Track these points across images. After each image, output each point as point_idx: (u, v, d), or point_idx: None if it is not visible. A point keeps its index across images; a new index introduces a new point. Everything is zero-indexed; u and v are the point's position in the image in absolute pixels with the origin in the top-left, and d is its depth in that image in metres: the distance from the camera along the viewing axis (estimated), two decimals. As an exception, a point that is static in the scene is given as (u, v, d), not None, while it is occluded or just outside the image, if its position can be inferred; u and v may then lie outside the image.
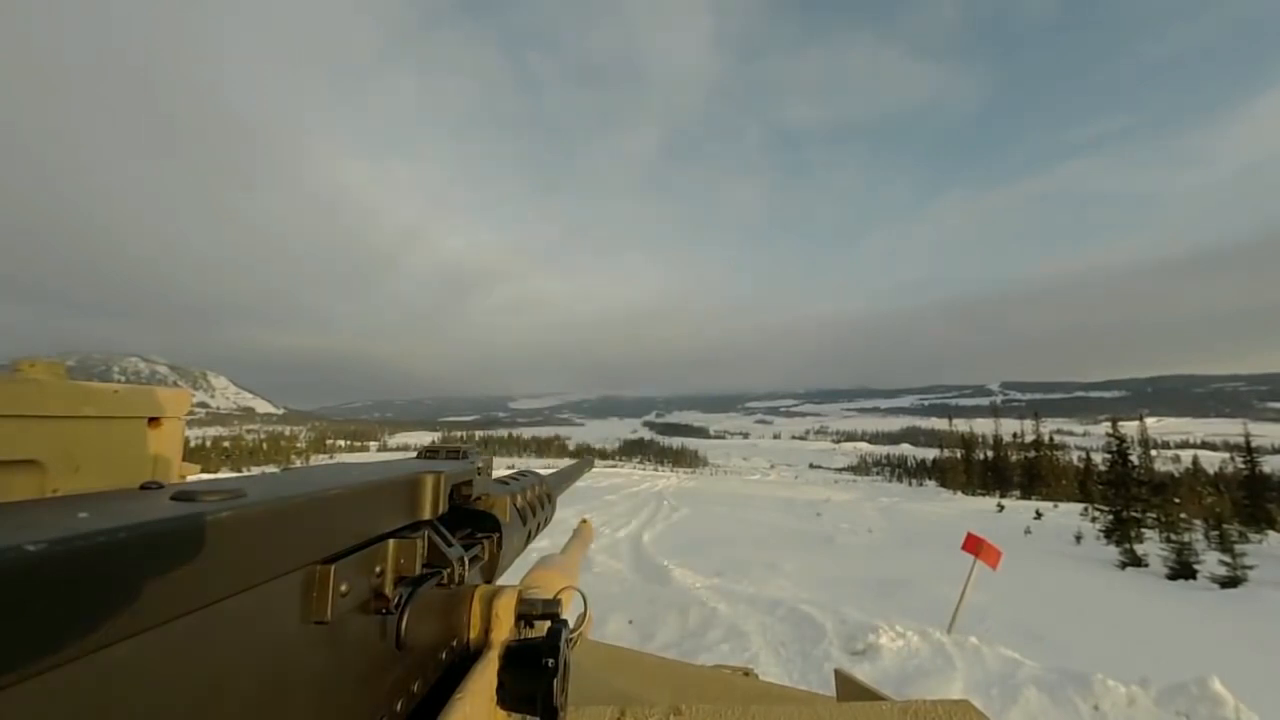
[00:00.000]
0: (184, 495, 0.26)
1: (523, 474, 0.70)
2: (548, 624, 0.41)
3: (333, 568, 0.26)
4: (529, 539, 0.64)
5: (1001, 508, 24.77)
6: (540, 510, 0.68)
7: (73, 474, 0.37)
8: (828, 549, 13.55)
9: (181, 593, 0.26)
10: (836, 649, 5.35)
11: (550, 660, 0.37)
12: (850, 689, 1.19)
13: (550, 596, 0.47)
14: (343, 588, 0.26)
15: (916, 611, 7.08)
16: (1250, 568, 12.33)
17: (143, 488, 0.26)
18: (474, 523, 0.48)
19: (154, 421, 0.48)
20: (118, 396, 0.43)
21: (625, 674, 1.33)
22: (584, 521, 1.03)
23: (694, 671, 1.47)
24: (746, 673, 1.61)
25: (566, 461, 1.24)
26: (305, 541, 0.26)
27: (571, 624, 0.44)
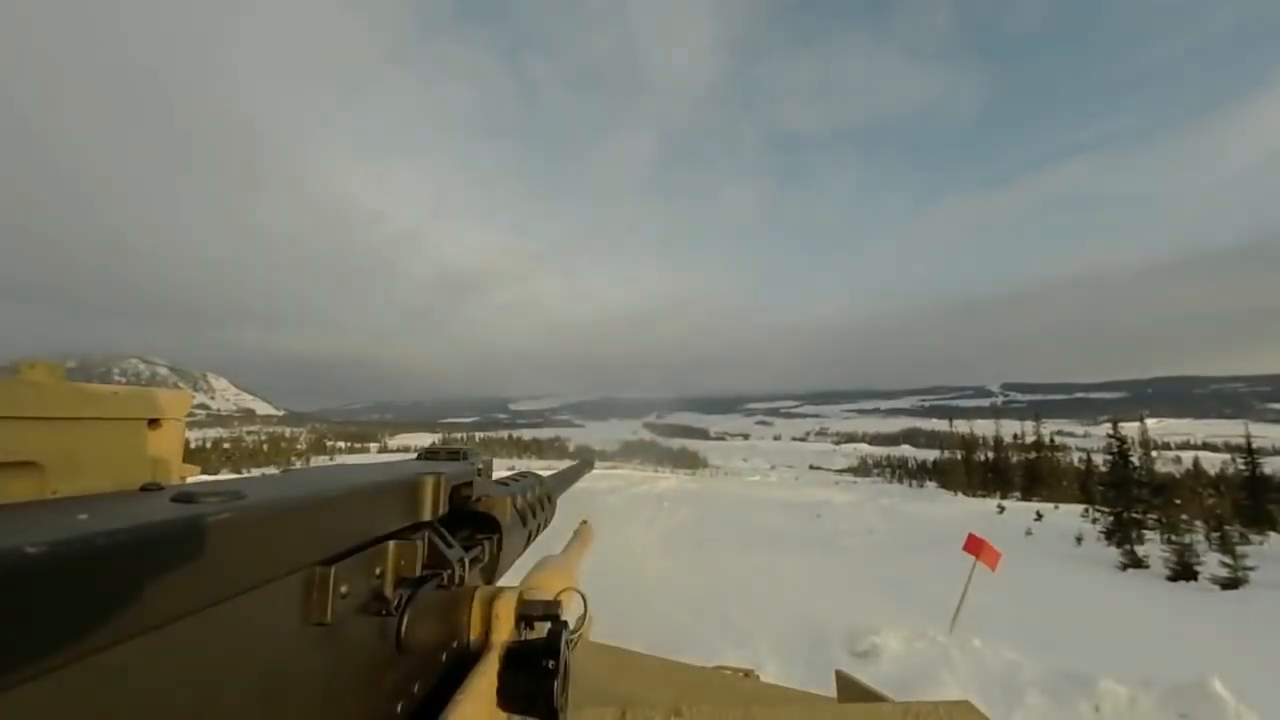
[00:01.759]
0: (184, 497, 0.26)
1: (523, 475, 0.69)
2: (548, 625, 0.41)
3: (333, 569, 0.26)
4: (529, 540, 0.64)
5: (1002, 509, 24.76)
6: (540, 511, 0.68)
7: (72, 475, 0.37)
8: (829, 550, 13.54)
9: (182, 595, 0.26)
10: (840, 650, 5.35)
11: (551, 661, 0.37)
12: (851, 690, 1.20)
13: (550, 598, 0.47)
14: (343, 589, 0.26)
15: (918, 613, 7.07)
16: (1251, 569, 12.32)
17: (143, 489, 0.26)
18: (474, 524, 0.48)
19: (154, 423, 0.48)
20: (117, 398, 0.43)
21: (626, 675, 1.33)
22: (584, 523, 1.03)
23: (695, 672, 1.47)
24: (747, 673, 1.61)
25: (567, 463, 1.24)
26: (305, 543, 0.26)
27: (572, 625, 0.44)
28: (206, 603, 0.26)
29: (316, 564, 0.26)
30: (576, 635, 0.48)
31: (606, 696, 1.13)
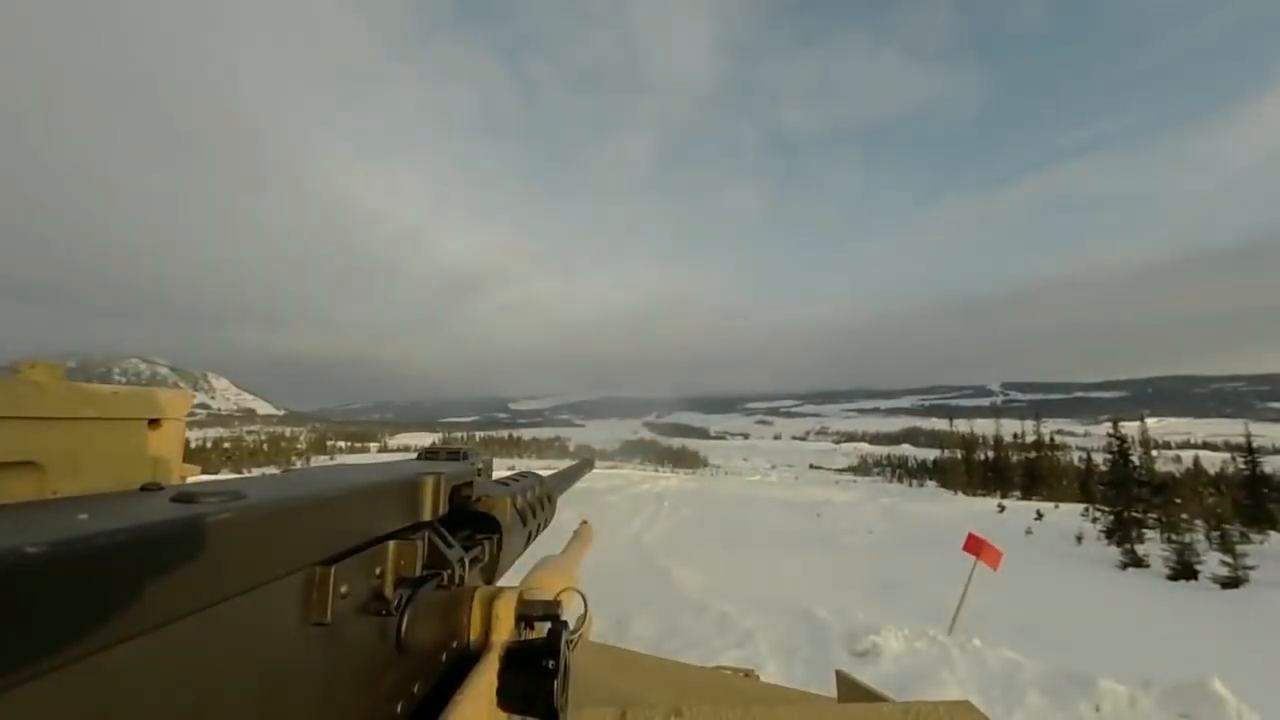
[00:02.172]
0: (184, 497, 0.26)
1: (523, 475, 0.69)
2: (548, 625, 0.41)
3: (333, 569, 0.26)
4: (529, 540, 0.64)
5: (1002, 508, 24.78)
6: (540, 511, 0.68)
7: (73, 475, 0.37)
8: (829, 550, 13.56)
9: (182, 595, 0.26)
10: (840, 649, 5.36)
11: (550, 662, 0.37)
12: (851, 690, 1.19)
13: (551, 598, 0.47)
14: (343, 589, 0.26)
15: (918, 613, 7.07)
16: (1251, 568, 12.33)
17: (143, 489, 0.26)
18: (474, 524, 0.48)
19: (154, 423, 0.48)
20: (118, 398, 0.43)
21: (626, 675, 1.33)
22: (584, 523, 1.02)
23: (695, 672, 1.48)
24: (748, 674, 1.61)
25: (567, 462, 1.24)
26: (305, 543, 0.26)
27: (572, 625, 0.44)
28: (206, 602, 0.26)
29: (316, 564, 0.26)
30: (577, 635, 0.48)
31: (606, 696, 1.13)
